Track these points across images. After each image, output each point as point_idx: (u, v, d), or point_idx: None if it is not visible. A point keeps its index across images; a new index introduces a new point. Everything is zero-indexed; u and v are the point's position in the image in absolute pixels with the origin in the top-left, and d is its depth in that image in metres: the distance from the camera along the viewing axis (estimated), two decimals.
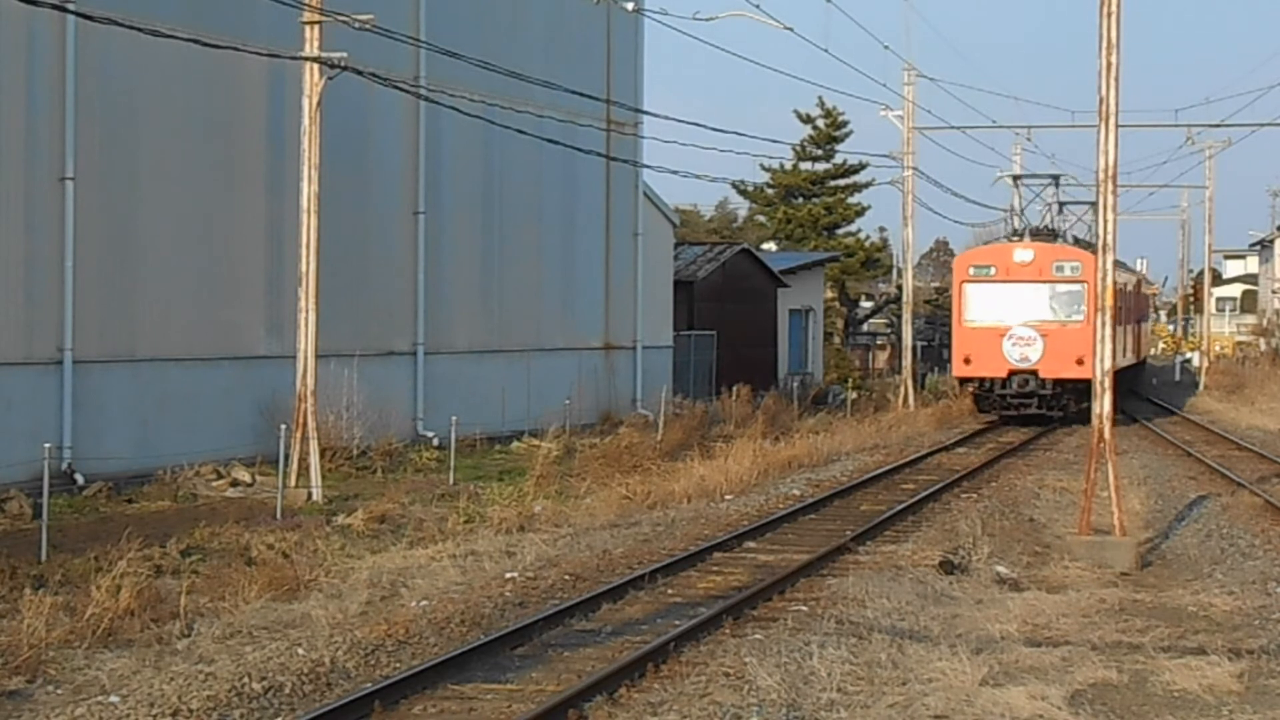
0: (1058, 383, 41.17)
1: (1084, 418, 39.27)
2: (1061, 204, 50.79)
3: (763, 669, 13.81)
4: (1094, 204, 51.64)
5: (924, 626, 16.12)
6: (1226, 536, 22.94)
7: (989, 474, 30.68)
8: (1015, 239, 43.95)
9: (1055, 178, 48.72)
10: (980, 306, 41.85)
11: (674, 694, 13.38)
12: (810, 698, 13.15)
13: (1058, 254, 42.19)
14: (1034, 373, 41.17)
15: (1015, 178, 48.08)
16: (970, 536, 21.47)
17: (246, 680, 13.26)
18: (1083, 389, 37.61)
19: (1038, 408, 41.45)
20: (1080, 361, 39.52)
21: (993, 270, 42.15)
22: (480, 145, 36.60)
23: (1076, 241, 46.14)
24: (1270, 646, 15.48)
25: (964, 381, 43.07)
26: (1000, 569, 19.65)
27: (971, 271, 42.56)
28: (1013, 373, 41.38)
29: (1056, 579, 19.62)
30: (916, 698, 13.24)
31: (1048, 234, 44.77)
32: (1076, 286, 41.10)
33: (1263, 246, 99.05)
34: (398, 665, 14.34)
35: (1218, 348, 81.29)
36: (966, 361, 41.88)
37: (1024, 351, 41.07)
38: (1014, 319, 41.33)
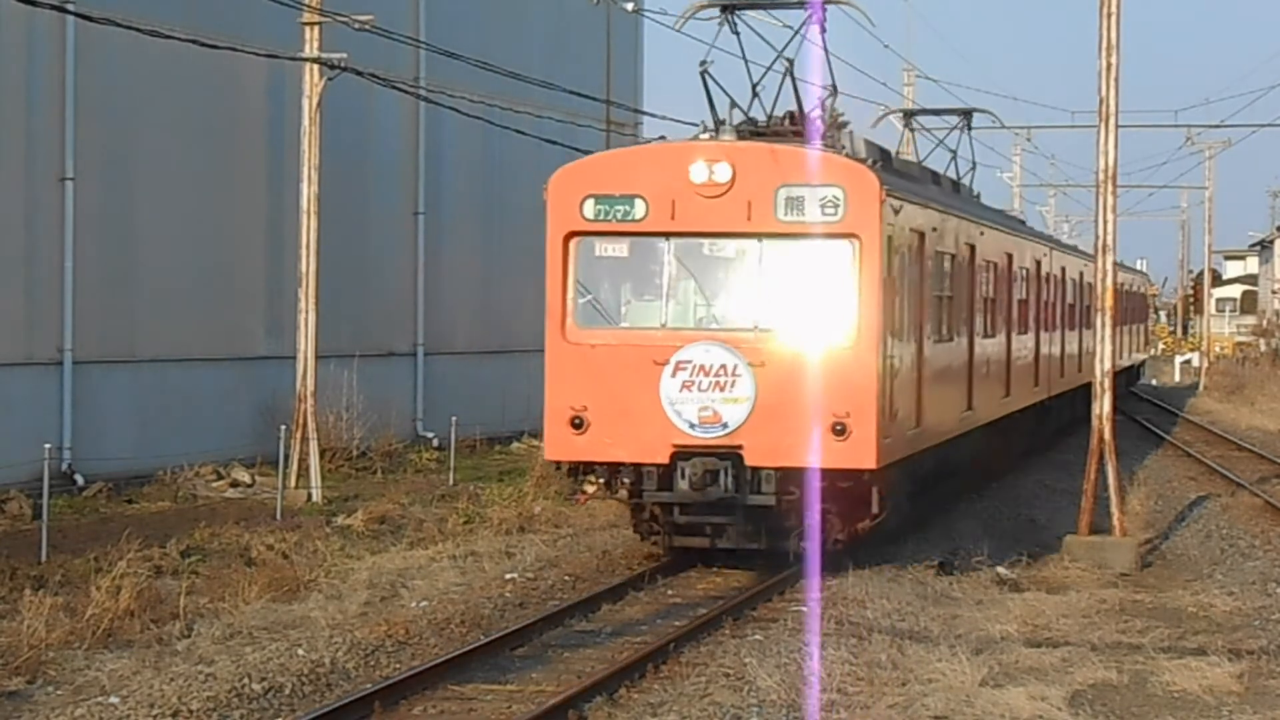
0: (787, 478, 18.09)
1: (873, 556, 19.38)
2: (915, 128, 28.64)
3: (763, 669, 13.81)
4: (967, 112, 29.54)
5: (924, 627, 16.12)
6: (1226, 537, 22.95)
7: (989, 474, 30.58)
8: (705, 136, 19.44)
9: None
10: (611, 292, 19.84)
11: (674, 694, 13.38)
12: (810, 698, 13.14)
13: (790, 168, 18.31)
14: (732, 453, 18.08)
15: (723, 8, 20.57)
16: (970, 536, 21.47)
17: (246, 681, 13.26)
18: (848, 492, 18.33)
19: (742, 535, 18.67)
20: (840, 429, 17.77)
21: (639, 208, 18.93)
22: (480, 145, 36.57)
23: (876, 154, 20.28)
24: (1270, 647, 15.48)
25: (577, 472, 19.23)
26: (1000, 569, 19.64)
27: (591, 210, 19.58)
28: (682, 453, 18.20)
29: (1056, 579, 19.61)
30: (916, 698, 13.24)
31: (782, 129, 20.20)
32: (836, 245, 18.23)
33: (1263, 247, 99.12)
34: (398, 666, 14.35)
35: (1218, 348, 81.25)
36: (576, 425, 18.85)
37: (709, 404, 18.13)
38: (686, 322, 18.86)
